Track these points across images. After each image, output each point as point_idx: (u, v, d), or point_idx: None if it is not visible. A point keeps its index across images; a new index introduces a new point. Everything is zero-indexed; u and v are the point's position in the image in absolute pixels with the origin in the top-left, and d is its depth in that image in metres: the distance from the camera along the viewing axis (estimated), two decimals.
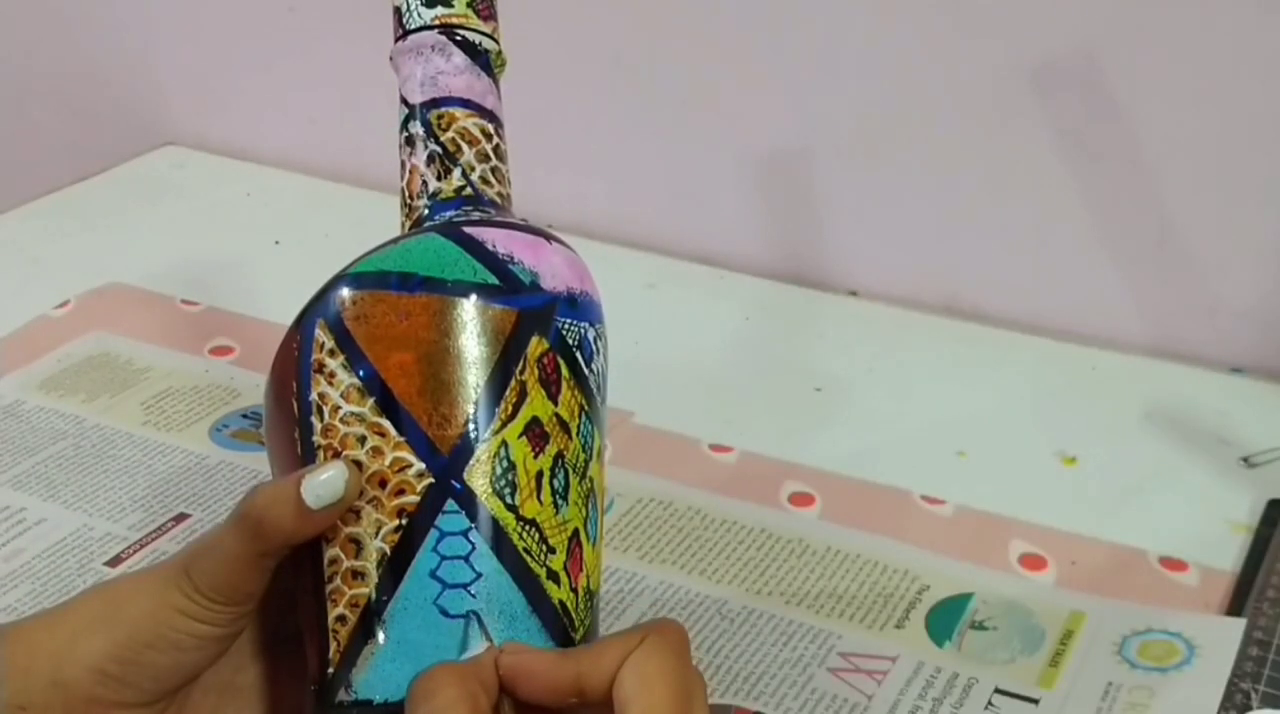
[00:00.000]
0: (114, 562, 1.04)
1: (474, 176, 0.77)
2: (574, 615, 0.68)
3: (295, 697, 0.71)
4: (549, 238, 0.75)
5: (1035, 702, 0.90)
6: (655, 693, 0.59)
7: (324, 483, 0.64)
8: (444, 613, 0.64)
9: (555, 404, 0.70)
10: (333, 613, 0.66)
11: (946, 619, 0.98)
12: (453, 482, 0.66)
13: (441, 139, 0.77)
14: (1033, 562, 1.04)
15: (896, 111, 1.37)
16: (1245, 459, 1.15)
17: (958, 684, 0.92)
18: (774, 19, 1.39)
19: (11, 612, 0.99)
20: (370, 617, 0.65)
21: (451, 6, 0.79)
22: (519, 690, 0.62)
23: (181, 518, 1.09)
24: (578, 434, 0.71)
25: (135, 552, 1.05)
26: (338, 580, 0.66)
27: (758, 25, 1.40)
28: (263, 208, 1.69)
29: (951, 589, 1.01)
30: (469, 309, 0.69)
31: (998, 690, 0.91)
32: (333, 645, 0.65)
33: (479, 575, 0.65)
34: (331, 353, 0.68)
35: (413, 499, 0.66)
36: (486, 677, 0.61)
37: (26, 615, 0.74)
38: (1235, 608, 0.97)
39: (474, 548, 0.65)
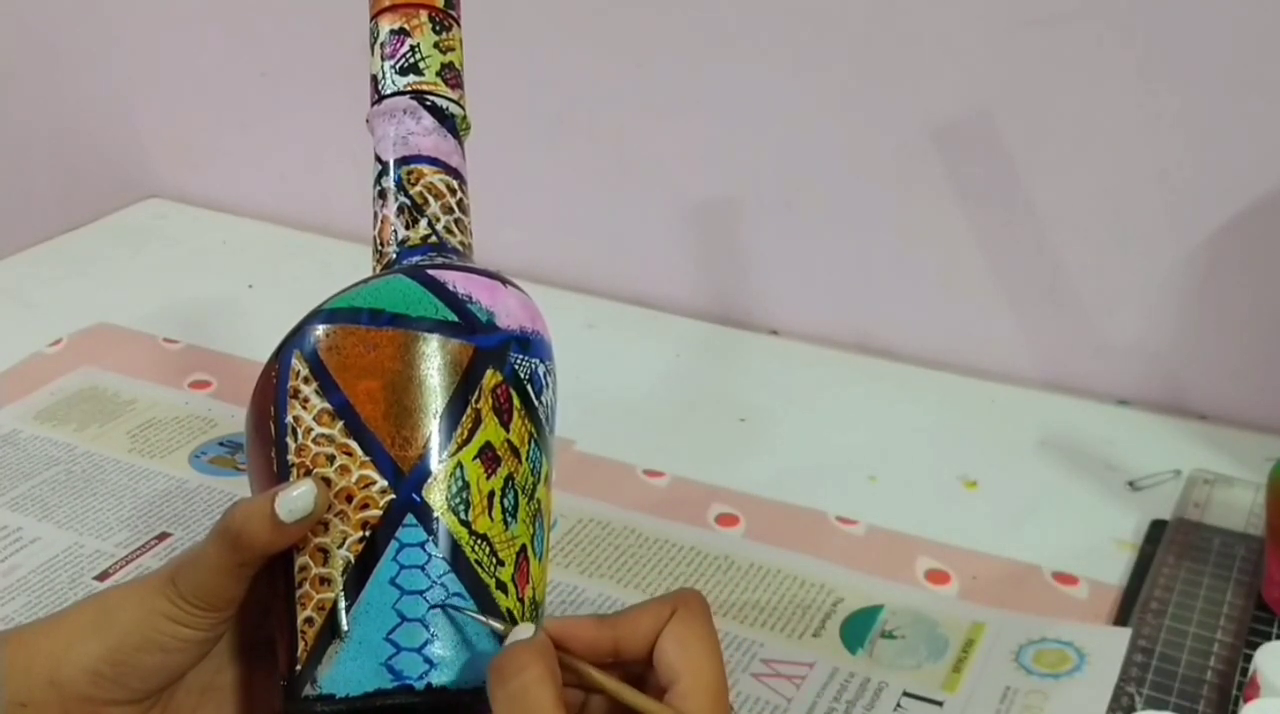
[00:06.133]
0: (102, 576, 1.04)
1: (439, 226, 0.78)
2: (519, 623, 0.68)
3: (268, 696, 0.72)
4: (505, 281, 0.75)
5: (939, 704, 0.91)
6: (697, 659, 0.62)
7: (295, 499, 0.65)
8: (401, 616, 0.65)
9: (507, 431, 0.70)
10: (301, 615, 0.66)
11: (859, 629, 0.98)
12: (412, 497, 0.66)
13: (410, 192, 0.78)
14: (937, 576, 1.05)
15: (814, 168, 1.38)
16: (1131, 483, 1.16)
17: (869, 688, 0.92)
18: (701, 85, 1.40)
19: (8, 622, 0.98)
20: (335, 619, 0.65)
21: (422, 75, 0.79)
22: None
23: (164, 536, 1.09)
24: (527, 459, 0.71)
25: (122, 567, 1.05)
26: (306, 586, 0.66)
27: (688, 90, 1.41)
28: (238, 255, 1.68)
29: (863, 601, 1.02)
30: (431, 343, 0.69)
31: (905, 694, 0.92)
32: (300, 645, 0.66)
33: (434, 583, 0.66)
34: (306, 380, 0.69)
35: (376, 513, 0.66)
36: (551, 653, 0.61)
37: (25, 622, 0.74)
38: (1121, 619, 0.98)
39: (430, 558, 0.66)
